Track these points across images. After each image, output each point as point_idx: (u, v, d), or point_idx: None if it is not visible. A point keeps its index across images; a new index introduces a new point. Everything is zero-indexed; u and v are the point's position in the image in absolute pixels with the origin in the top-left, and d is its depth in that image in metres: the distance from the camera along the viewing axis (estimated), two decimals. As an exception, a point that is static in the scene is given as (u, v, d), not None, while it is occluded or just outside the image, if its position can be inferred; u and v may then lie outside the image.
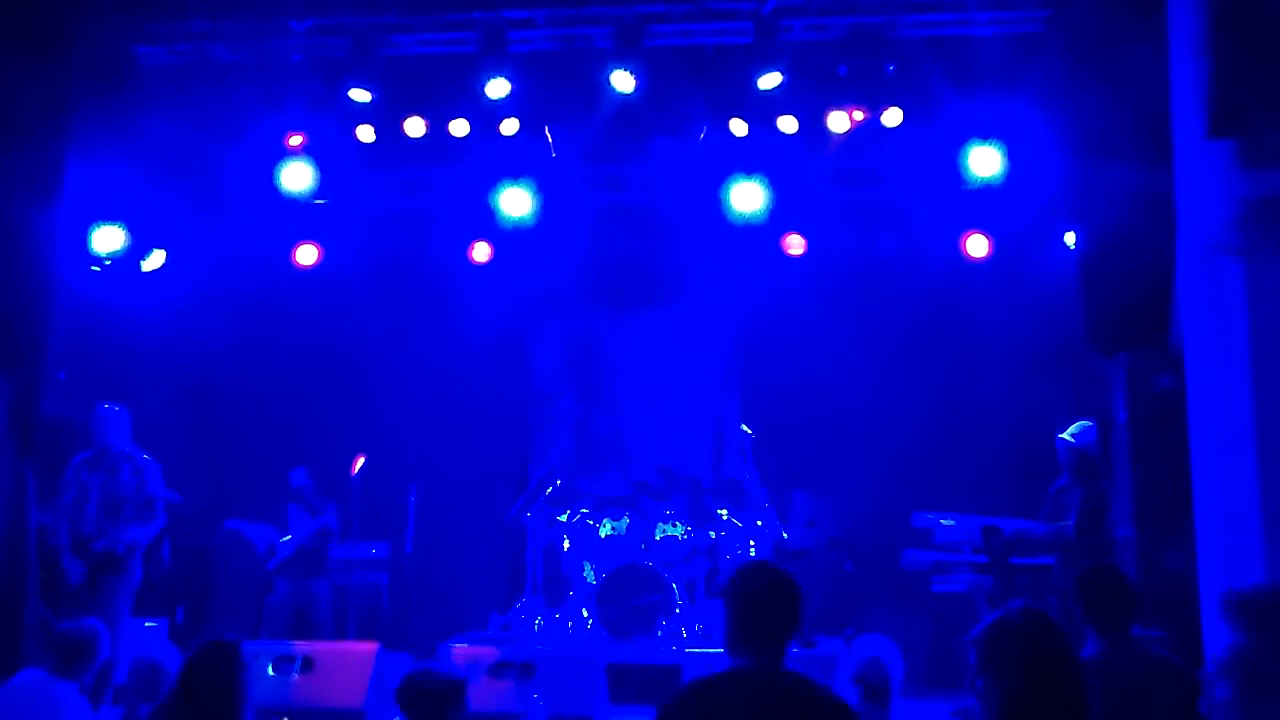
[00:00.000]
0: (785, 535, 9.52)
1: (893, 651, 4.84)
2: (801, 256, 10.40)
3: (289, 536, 9.25)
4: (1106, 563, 5.76)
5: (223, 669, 4.02)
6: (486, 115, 9.08)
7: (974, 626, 3.19)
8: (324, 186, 9.37)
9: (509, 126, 9.18)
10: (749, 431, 9.94)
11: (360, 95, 8.72)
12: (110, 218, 9.03)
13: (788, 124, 9.06)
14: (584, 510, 9.79)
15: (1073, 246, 8.43)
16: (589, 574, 9.35)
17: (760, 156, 9.23)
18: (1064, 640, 3.02)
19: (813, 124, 9.13)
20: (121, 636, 7.14)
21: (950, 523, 7.31)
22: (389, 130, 9.32)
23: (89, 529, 7.33)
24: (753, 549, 9.30)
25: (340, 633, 9.41)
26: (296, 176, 9.19)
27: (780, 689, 3.28)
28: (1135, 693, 4.13)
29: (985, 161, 8.69)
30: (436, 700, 4.24)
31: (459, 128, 9.32)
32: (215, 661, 4.04)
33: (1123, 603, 4.43)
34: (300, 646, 7.20)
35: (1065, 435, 7.48)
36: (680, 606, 8.93)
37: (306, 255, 10.51)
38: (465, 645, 7.83)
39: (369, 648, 7.29)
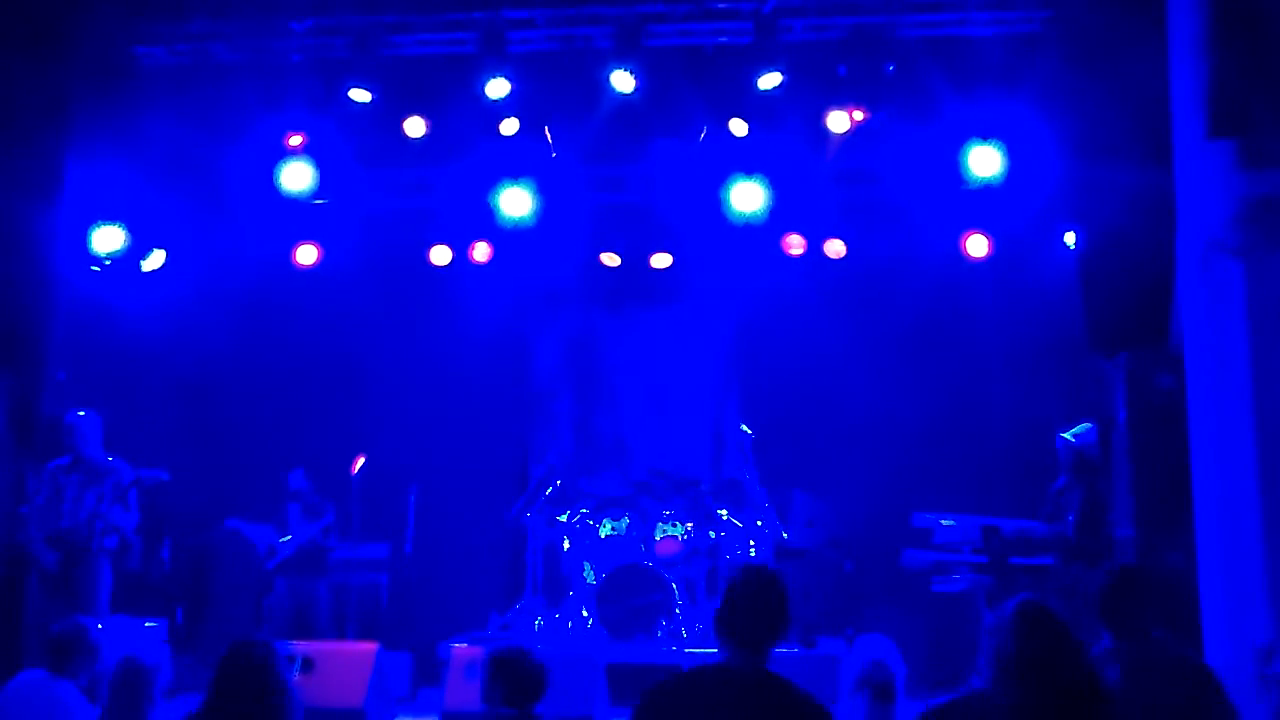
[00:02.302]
0: (785, 535, 9.52)
1: (893, 652, 4.83)
2: (801, 256, 10.40)
3: (289, 536, 9.26)
4: (1128, 563, 5.77)
5: (261, 669, 3.92)
6: (486, 115, 9.08)
7: (974, 626, 3.19)
8: (324, 186, 9.36)
9: (509, 126, 9.18)
10: (749, 431, 9.93)
11: (360, 95, 8.72)
12: (110, 218, 9.03)
13: (788, 124, 9.06)
14: (584, 510, 9.78)
15: (1073, 246, 8.44)
16: (589, 574, 9.35)
17: (760, 156, 9.23)
18: (1063, 628, 3.00)
19: (813, 124, 9.12)
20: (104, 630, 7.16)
21: (950, 523, 7.32)
22: (389, 130, 9.32)
23: (66, 524, 7.35)
24: (753, 549, 9.30)
25: (340, 633, 9.41)
26: (296, 176, 9.18)
27: (757, 688, 3.37)
28: (1151, 690, 4.13)
29: (985, 161, 8.68)
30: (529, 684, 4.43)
31: (459, 128, 9.32)
32: (251, 663, 3.93)
33: (1141, 603, 4.42)
34: (300, 646, 7.21)
35: (1066, 435, 7.49)
36: (680, 606, 8.94)
37: (306, 255, 10.50)
38: (465, 645, 7.83)
39: (369, 648, 7.30)
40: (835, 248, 10.34)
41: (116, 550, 7.54)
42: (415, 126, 9.23)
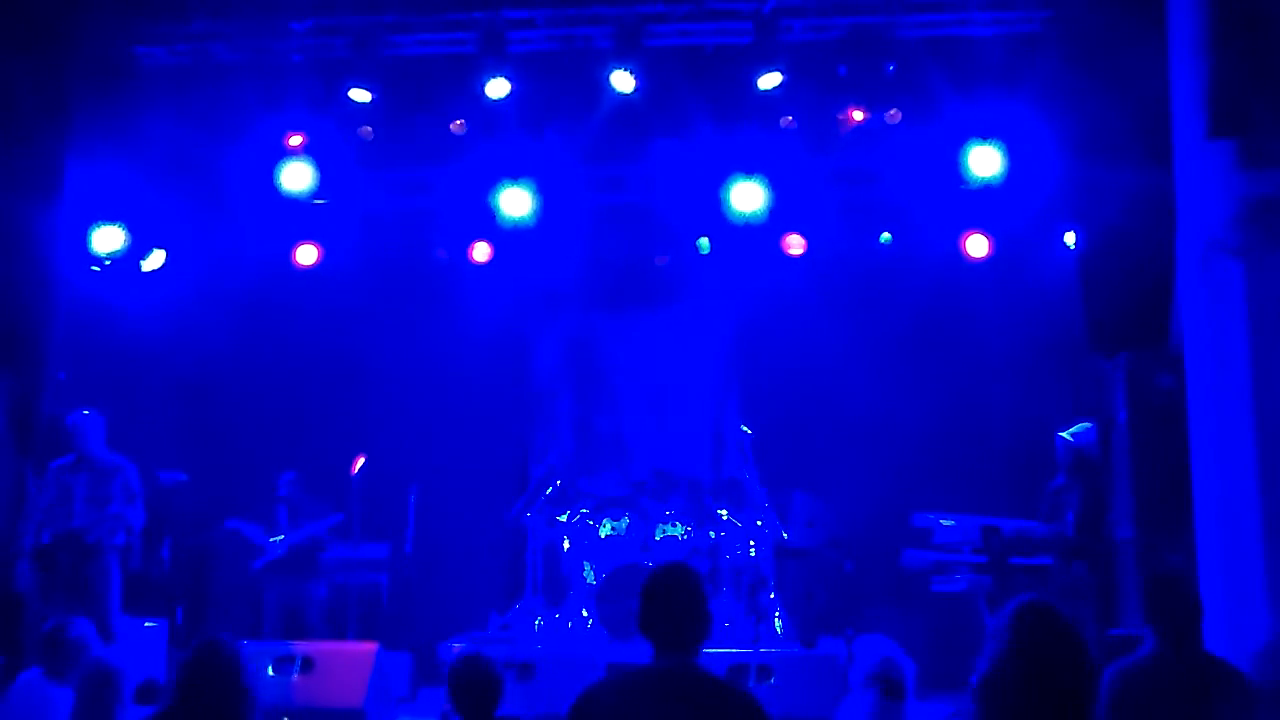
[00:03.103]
0: (785, 535, 9.52)
1: (896, 652, 4.83)
2: (801, 256, 10.40)
3: (280, 537, 9.24)
4: (1174, 569, 5.77)
5: (223, 670, 3.96)
6: (486, 115, 9.08)
7: (974, 626, 3.18)
8: (324, 186, 9.36)
9: (509, 126, 9.17)
10: (749, 431, 9.93)
11: (360, 95, 8.73)
12: (110, 218, 9.03)
13: (788, 124, 9.05)
14: (584, 510, 9.78)
15: (1073, 246, 8.44)
16: (589, 574, 9.34)
17: (760, 156, 9.23)
18: (1067, 629, 2.99)
19: (813, 124, 9.12)
20: (114, 630, 7.20)
21: (950, 523, 7.31)
22: (389, 130, 9.32)
23: (78, 524, 7.36)
24: (753, 549, 9.29)
25: (340, 633, 9.41)
26: (296, 176, 9.18)
27: (686, 686, 3.37)
28: (1190, 695, 4.14)
29: (985, 161, 8.68)
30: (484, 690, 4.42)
31: (459, 128, 9.32)
32: (214, 663, 3.97)
33: (1185, 607, 4.43)
34: (300, 646, 7.21)
35: (1065, 435, 7.49)
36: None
37: (306, 255, 10.50)
38: (465, 645, 7.82)
39: (369, 648, 7.30)
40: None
41: (123, 548, 7.57)
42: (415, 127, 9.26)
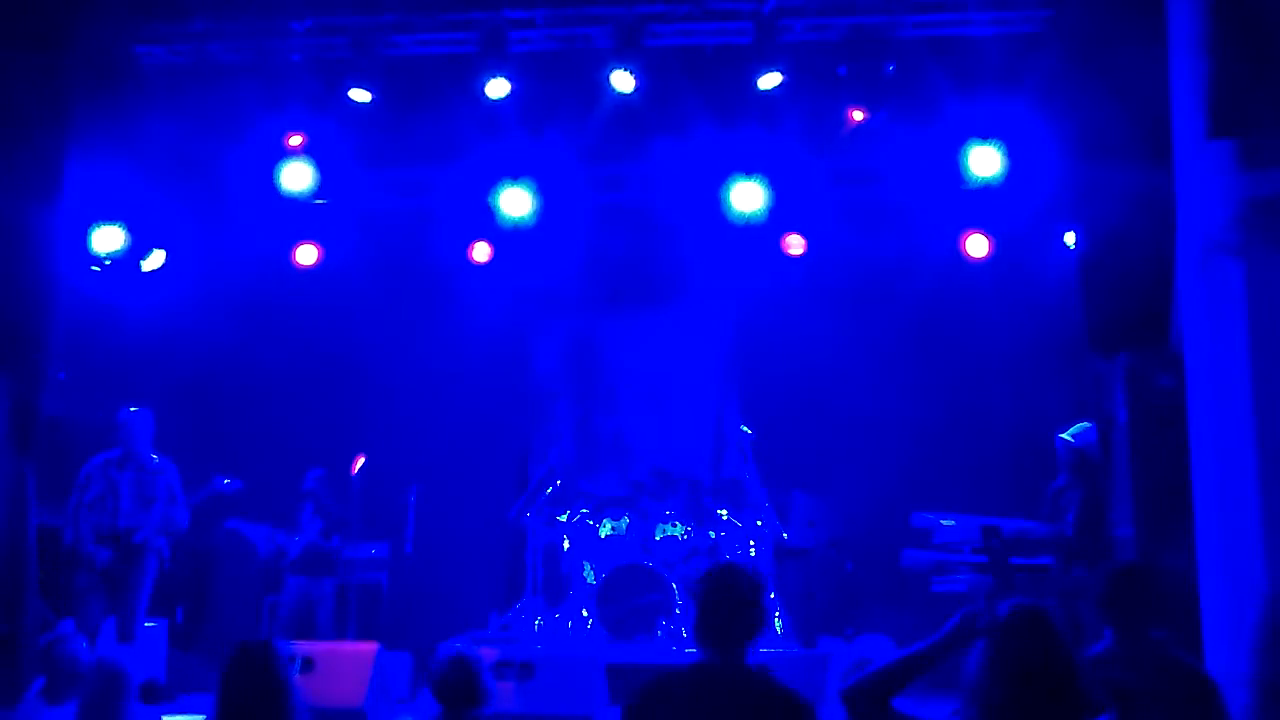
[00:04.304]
0: (785, 535, 9.53)
1: (889, 650, 4.82)
2: (801, 256, 10.40)
3: (298, 537, 9.26)
4: (1133, 562, 5.77)
5: (263, 672, 3.93)
6: (486, 115, 9.08)
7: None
8: (324, 186, 9.36)
9: (509, 126, 9.17)
10: (749, 431, 9.93)
11: (360, 95, 8.73)
12: (110, 218, 9.04)
13: (788, 124, 9.06)
14: (584, 510, 9.79)
15: (1073, 246, 8.44)
16: (589, 574, 9.35)
17: (760, 156, 9.23)
18: (1056, 636, 3.01)
19: (813, 124, 9.13)
20: (137, 632, 7.24)
21: (950, 523, 7.31)
22: (389, 130, 9.32)
23: (124, 522, 7.42)
24: (753, 549, 9.30)
25: (340, 633, 9.42)
26: (296, 176, 9.19)
27: (737, 685, 3.48)
28: (1147, 692, 4.13)
29: (985, 161, 8.68)
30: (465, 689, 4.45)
31: (459, 128, 9.33)
32: (252, 666, 3.94)
33: (1144, 602, 4.41)
34: (300, 646, 7.21)
35: (1065, 435, 7.49)
36: (680, 606, 8.94)
37: (306, 255, 10.51)
38: (462, 644, 7.82)
39: (369, 648, 7.31)
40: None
41: (161, 550, 7.64)
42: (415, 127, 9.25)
